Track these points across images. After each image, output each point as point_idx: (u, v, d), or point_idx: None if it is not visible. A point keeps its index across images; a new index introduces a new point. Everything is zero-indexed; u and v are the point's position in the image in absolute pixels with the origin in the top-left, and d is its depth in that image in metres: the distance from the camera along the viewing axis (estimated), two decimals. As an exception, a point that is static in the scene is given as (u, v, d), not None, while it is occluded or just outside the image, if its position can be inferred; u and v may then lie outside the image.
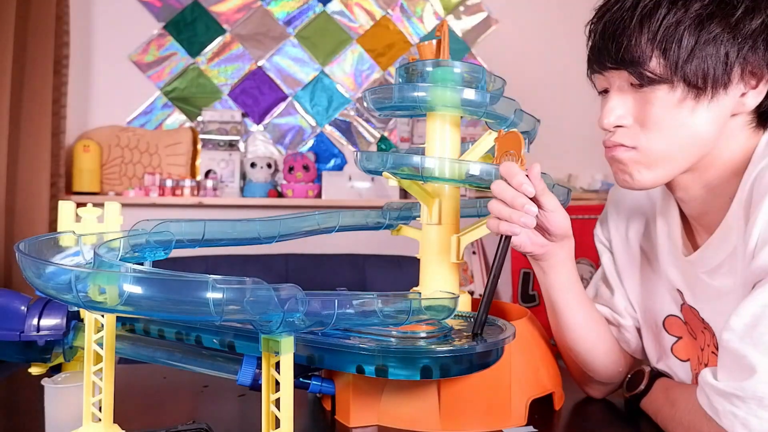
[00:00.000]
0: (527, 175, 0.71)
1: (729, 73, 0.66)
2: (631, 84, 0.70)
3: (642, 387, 0.79)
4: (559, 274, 0.81)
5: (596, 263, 1.00)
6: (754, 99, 0.68)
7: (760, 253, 0.61)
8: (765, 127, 0.71)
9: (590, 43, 0.74)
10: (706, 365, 0.75)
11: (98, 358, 0.63)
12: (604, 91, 0.75)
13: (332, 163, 2.64)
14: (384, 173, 0.78)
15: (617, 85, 0.72)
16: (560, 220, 0.75)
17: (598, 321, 0.86)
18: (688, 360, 0.80)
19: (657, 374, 0.81)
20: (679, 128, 0.68)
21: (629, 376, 0.84)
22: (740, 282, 0.65)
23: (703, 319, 0.75)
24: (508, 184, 0.71)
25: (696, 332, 0.79)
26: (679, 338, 0.82)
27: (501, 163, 0.73)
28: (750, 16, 0.66)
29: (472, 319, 0.80)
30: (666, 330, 0.83)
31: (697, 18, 0.65)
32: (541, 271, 0.81)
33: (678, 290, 0.79)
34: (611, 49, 0.70)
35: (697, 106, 0.67)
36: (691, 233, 0.80)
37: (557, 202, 0.75)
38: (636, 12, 0.68)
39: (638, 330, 0.89)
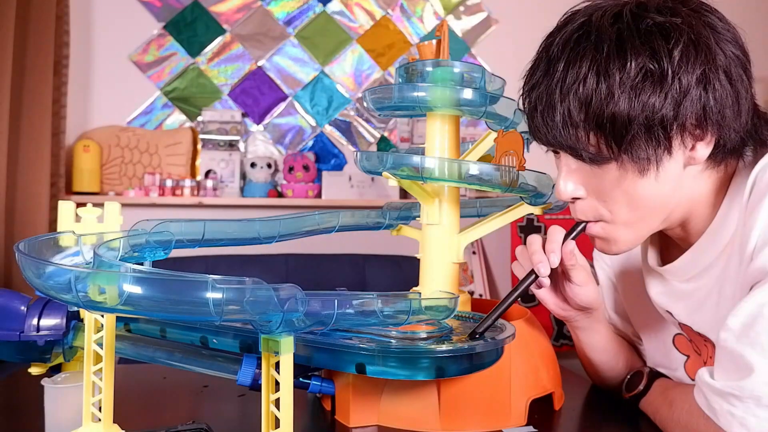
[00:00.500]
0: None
1: (669, 140, 0.63)
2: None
3: (641, 387, 0.79)
4: (588, 337, 0.85)
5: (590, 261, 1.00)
6: (703, 151, 0.65)
7: (759, 254, 0.61)
8: (723, 161, 0.68)
9: (525, 119, 0.72)
10: None
11: (98, 358, 0.63)
12: (555, 152, 0.73)
13: (332, 163, 2.64)
14: (384, 173, 0.78)
15: (564, 159, 0.69)
16: (587, 294, 0.77)
17: (624, 348, 0.89)
18: None
19: (656, 374, 0.81)
20: (637, 198, 0.66)
21: (628, 376, 0.84)
22: (738, 284, 0.65)
23: (699, 332, 0.75)
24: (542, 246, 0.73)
25: (700, 348, 0.79)
26: (688, 356, 0.82)
27: (548, 227, 0.74)
28: (683, 71, 0.61)
29: (472, 320, 0.80)
30: (676, 348, 0.83)
31: (631, 88, 0.61)
32: (572, 330, 0.86)
33: (668, 312, 0.79)
34: (547, 134, 0.67)
35: (647, 176, 0.64)
36: (665, 249, 0.80)
37: (589, 275, 0.76)
38: (564, 89, 0.64)
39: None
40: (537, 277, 0.73)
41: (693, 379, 0.80)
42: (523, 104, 0.71)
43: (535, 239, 0.76)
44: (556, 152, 0.71)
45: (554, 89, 0.64)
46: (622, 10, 0.64)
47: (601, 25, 0.63)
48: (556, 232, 0.74)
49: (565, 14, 0.70)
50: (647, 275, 0.82)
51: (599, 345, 0.85)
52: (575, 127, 0.64)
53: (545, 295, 0.79)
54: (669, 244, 0.79)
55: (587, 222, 0.71)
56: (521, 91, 0.71)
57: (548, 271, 0.73)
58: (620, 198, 0.67)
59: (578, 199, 0.70)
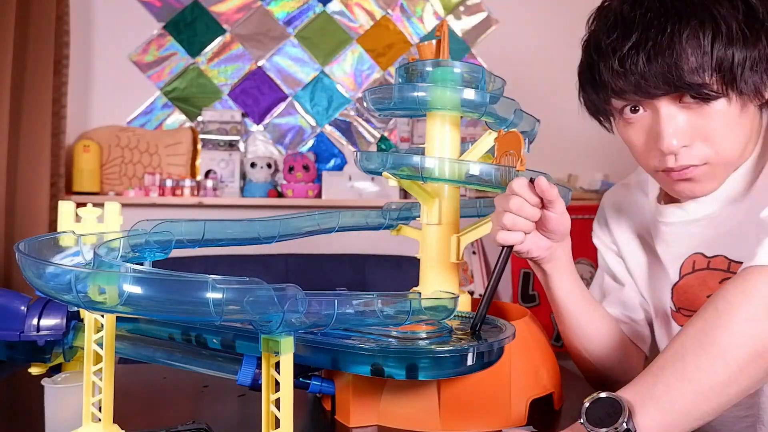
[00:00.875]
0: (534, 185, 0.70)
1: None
2: (681, 103, 0.73)
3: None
4: (562, 275, 0.82)
5: (596, 263, 1.01)
6: None
7: None
8: None
9: (613, 67, 0.74)
10: None
11: (98, 358, 0.63)
12: (632, 109, 0.77)
13: (332, 163, 2.64)
14: (384, 173, 0.78)
15: (664, 107, 0.73)
16: (566, 222, 0.76)
17: (607, 318, 0.88)
18: None
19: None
20: (741, 132, 0.75)
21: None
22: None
23: (725, 267, 0.78)
24: (519, 196, 0.70)
25: (697, 304, 0.80)
26: (678, 309, 0.83)
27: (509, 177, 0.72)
28: None
29: (472, 320, 0.80)
30: (674, 321, 0.84)
31: (742, 32, 0.69)
32: (543, 274, 0.82)
33: (696, 253, 0.81)
34: (666, 73, 0.71)
35: (748, 109, 0.73)
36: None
37: (564, 204, 0.76)
38: (678, 31, 0.70)
39: (650, 324, 0.90)
40: (511, 248, 0.72)
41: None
42: (607, 61, 0.74)
43: (500, 200, 0.73)
44: (634, 110, 0.76)
45: (669, 38, 0.70)
46: None
47: None
48: (518, 184, 0.70)
49: None
50: (666, 234, 0.85)
51: (573, 291, 0.82)
52: (699, 68, 0.69)
53: (528, 245, 0.75)
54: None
55: (691, 166, 0.75)
56: (603, 40, 0.75)
57: (521, 238, 0.71)
58: (730, 133, 0.73)
59: (683, 147, 0.74)
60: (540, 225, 0.74)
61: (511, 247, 0.72)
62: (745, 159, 0.78)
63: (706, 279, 0.80)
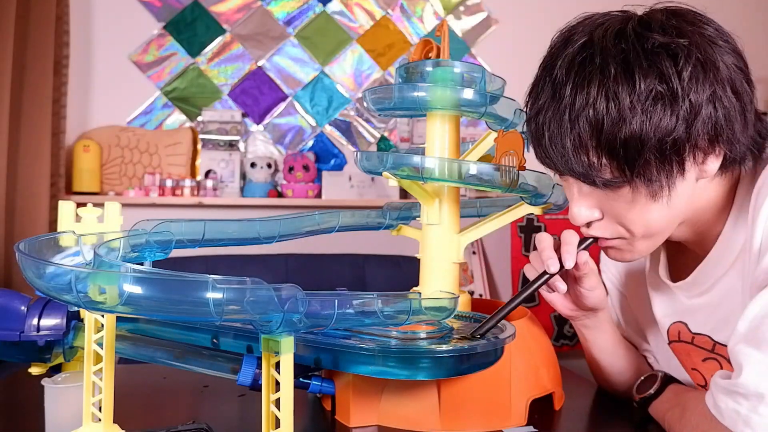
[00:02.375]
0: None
1: (682, 162, 0.62)
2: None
3: (652, 391, 0.78)
4: (595, 337, 0.85)
5: (596, 265, 1.01)
6: (714, 164, 0.64)
7: (764, 257, 0.61)
8: (730, 168, 0.68)
9: (531, 143, 0.70)
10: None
11: (98, 358, 0.63)
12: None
13: (332, 163, 2.64)
14: (384, 173, 0.78)
15: (575, 184, 0.68)
16: (597, 296, 0.78)
17: (631, 351, 0.89)
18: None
19: (670, 379, 0.79)
20: (651, 220, 0.66)
21: (641, 378, 0.82)
22: (747, 285, 0.65)
23: (709, 347, 0.76)
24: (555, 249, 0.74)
25: (690, 368, 0.80)
26: (694, 369, 0.82)
27: (563, 234, 0.74)
28: (692, 92, 0.60)
29: (472, 320, 0.80)
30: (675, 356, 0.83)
31: (642, 111, 0.59)
32: (578, 329, 0.86)
33: (679, 322, 0.79)
34: (557, 160, 0.66)
35: (660, 201, 0.64)
36: (672, 259, 0.81)
37: (598, 279, 0.77)
38: (573, 114, 0.62)
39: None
40: (548, 276, 0.74)
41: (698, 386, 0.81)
42: (528, 128, 0.69)
43: (544, 238, 0.76)
44: (564, 175, 0.70)
45: (563, 114, 0.63)
46: (624, 29, 0.62)
47: (605, 46, 0.62)
48: (572, 236, 0.74)
49: (560, 32, 0.68)
50: (653, 290, 0.83)
51: (606, 345, 0.86)
52: (587, 153, 0.63)
53: (554, 296, 0.80)
54: (677, 253, 0.79)
55: (599, 238, 0.72)
56: (525, 112, 0.70)
57: (557, 268, 0.73)
58: (636, 219, 0.67)
59: (593, 221, 0.70)
60: (572, 296, 0.79)
61: (547, 275, 0.74)
62: (717, 226, 0.70)
63: (691, 353, 0.79)
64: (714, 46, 0.62)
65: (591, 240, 0.73)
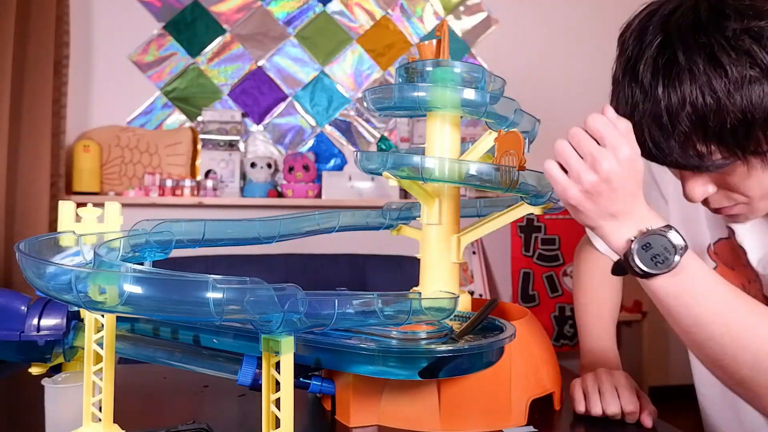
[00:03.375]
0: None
1: None
2: None
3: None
4: None
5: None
6: None
7: None
8: None
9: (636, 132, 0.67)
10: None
11: (98, 358, 0.63)
12: None
13: (332, 163, 2.64)
14: (384, 173, 0.78)
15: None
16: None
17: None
18: None
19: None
20: (766, 184, 0.66)
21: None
22: None
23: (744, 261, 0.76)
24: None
25: (736, 265, 0.80)
26: (716, 265, 0.83)
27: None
28: None
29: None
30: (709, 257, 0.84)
31: (741, 96, 0.60)
32: None
33: (728, 227, 0.80)
34: (664, 157, 0.65)
35: None
36: None
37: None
38: (672, 114, 0.62)
39: None
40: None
41: None
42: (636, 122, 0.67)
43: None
44: None
45: (661, 116, 0.63)
46: (699, 20, 0.62)
47: (686, 42, 0.61)
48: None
49: (629, 27, 0.67)
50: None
51: None
52: (694, 146, 0.63)
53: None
54: None
55: (722, 207, 0.71)
56: (612, 104, 0.68)
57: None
58: (754, 186, 0.67)
59: (709, 195, 0.70)
60: None
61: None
62: None
63: (738, 260, 0.79)
64: None
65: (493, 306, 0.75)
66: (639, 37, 0.66)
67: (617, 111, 0.67)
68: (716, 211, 0.72)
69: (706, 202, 0.71)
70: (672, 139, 0.63)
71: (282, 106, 2.61)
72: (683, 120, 0.62)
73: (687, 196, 0.70)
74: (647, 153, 0.67)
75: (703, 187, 0.69)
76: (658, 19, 0.65)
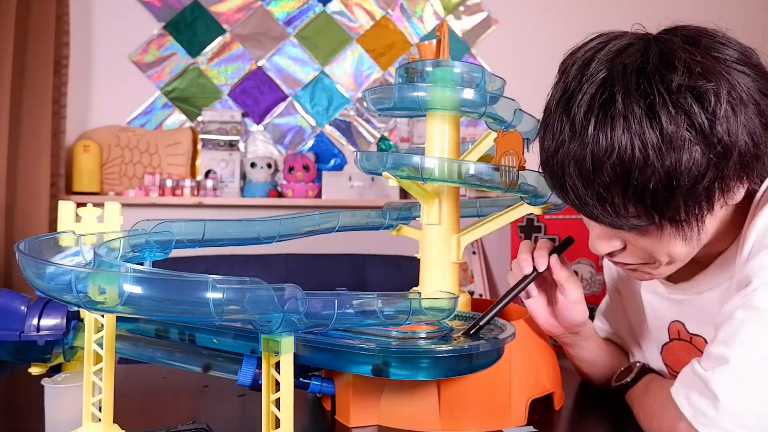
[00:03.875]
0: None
1: (712, 202, 0.60)
2: None
3: (629, 379, 0.81)
4: (576, 351, 0.88)
5: (596, 263, 1.01)
6: (740, 193, 0.62)
7: (747, 264, 0.62)
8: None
9: (549, 181, 0.66)
10: None
11: (98, 358, 0.63)
12: None
13: (332, 163, 2.64)
14: (384, 173, 0.78)
15: (597, 224, 0.66)
16: (578, 312, 0.79)
17: (614, 357, 0.91)
18: None
19: (648, 370, 0.82)
20: (676, 250, 0.64)
21: (622, 368, 0.85)
22: (733, 290, 0.65)
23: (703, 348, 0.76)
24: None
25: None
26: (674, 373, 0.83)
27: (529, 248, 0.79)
28: (723, 133, 0.56)
29: (472, 320, 0.80)
30: (663, 361, 0.85)
31: (670, 157, 0.56)
32: (560, 342, 0.88)
33: (678, 321, 0.79)
34: (581, 206, 0.62)
35: (691, 235, 0.62)
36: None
37: (581, 294, 0.78)
38: (596, 160, 0.58)
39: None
40: (527, 279, 0.77)
41: None
42: (545, 166, 0.65)
43: (524, 243, 0.79)
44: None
45: (584, 159, 0.59)
46: (646, 67, 0.58)
47: (627, 87, 0.58)
48: (545, 242, 0.78)
49: (573, 58, 0.63)
50: (651, 293, 0.83)
51: (587, 358, 0.88)
52: (612, 200, 0.60)
53: (537, 310, 0.81)
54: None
55: (623, 264, 0.71)
56: (541, 148, 0.65)
57: (530, 269, 0.76)
58: (662, 250, 0.65)
59: (615, 251, 0.68)
60: (554, 309, 0.81)
61: (527, 277, 0.77)
62: (725, 237, 0.68)
63: (691, 352, 0.79)
64: (740, 75, 0.59)
65: (566, 246, 0.75)
66: (581, 69, 0.61)
67: (542, 145, 0.65)
68: (617, 264, 0.71)
69: (609, 254, 0.69)
70: (591, 189, 0.60)
71: (282, 106, 2.61)
72: (607, 170, 0.58)
73: (592, 249, 0.68)
74: (563, 196, 0.64)
75: (609, 242, 0.67)
76: (604, 55, 0.61)
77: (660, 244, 0.64)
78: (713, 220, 0.64)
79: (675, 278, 0.77)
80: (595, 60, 0.61)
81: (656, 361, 0.86)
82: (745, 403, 0.59)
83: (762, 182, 0.64)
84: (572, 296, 0.77)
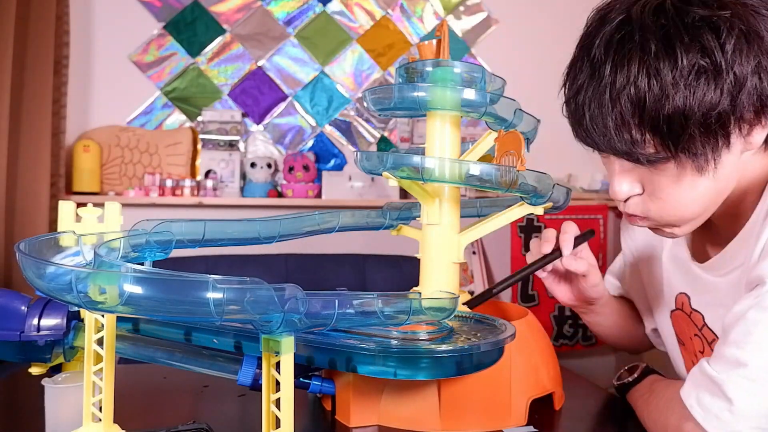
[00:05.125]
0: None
1: (728, 136, 0.61)
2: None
3: (630, 378, 0.81)
4: (594, 318, 0.93)
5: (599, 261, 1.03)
6: (760, 136, 0.63)
7: (759, 264, 0.62)
8: None
9: (571, 122, 0.69)
10: None
11: (98, 358, 0.63)
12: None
13: (332, 163, 2.64)
14: (384, 173, 0.78)
15: (617, 159, 0.67)
16: (597, 291, 0.86)
17: (630, 320, 0.97)
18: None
19: (651, 371, 0.82)
20: (694, 193, 0.65)
21: (625, 368, 0.85)
22: (743, 287, 0.66)
23: (699, 325, 0.76)
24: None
25: (684, 338, 0.80)
26: (682, 343, 0.83)
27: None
28: (737, 64, 0.58)
29: (472, 320, 0.80)
30: (672, 325, 0.86)
31: (685, 86, 0.58)
32: (578, 313, 0.94)
33: (684, 294, 0.79)
34: (598, 139, 0.65)
35: (706, 174, 0.63)
36: (699, 244, 0.81)
37: (598, 275, 0.85)
38: (614, 93, 0.61)
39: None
40: (546, 258, 0.81)
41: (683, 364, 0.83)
42: (568, 109, 0.68)
43: (549, 230, 0.83)
44: (604, 153, 0.69)
45: (603, 94, 0.62)
46: (663, 4, 0.61)
47: (644, 23, 0.60)
48: (570, 225, 0.80)
49: (598, 10, 0.66)
50: (672, 263, 0.84)
51: (604, 323, 0.93)
52: (629, 131, 0.62)
53: (554, 287, 0.86)
54: (702, 228, 0.78)
55: (635, 216, 0.71)
56: (563, 93, 0.69)
57: (551, 248, 0.80)
58: (676, 195, 0.65)
59: (633, 195, 0.69)
60: (572, 288, 0.87)
61: (548, 256, 0.81)
62: (752, 204, 0.69)
63: (688, 325, 0.81)
64: (757, 15, 0.60)
65: (589, 233, 0.76)
66: (602, 16, 0.65)
67: (565, 88, 0.68)
68: (635, 220, 0.71)
69: (624, 204, 0.71)
70: (610, 119, 0.62)
71: (282, 106, 2.61)
72: (624, 99, 0.60)
73: (612, 192, 0.70)
74: (584, 134, 0.66)
75: (630, 185, 0.68)
76: (624, 1, 0.64)
77: (680, 183, 0.64)
78: (732, 163, 0.64)
79: (697, 250, 0.80)
80: (615, 7, 0.64)
81: (667, 326, 0.87)
82: (760, 406, 0.59)
83: None
84: (593, 281, 0.83)
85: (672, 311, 0.84)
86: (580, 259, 0.82)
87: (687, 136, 0.60)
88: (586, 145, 0.68)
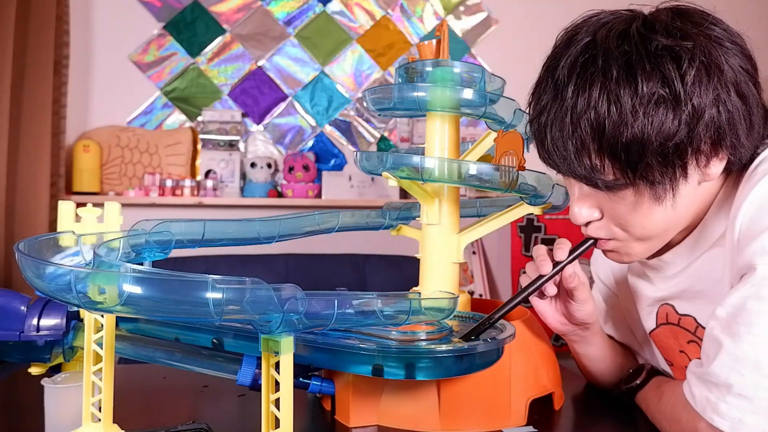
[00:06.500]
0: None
1: (685, 167, 0.62)
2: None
3: (638, 381, 0.80)
4: (584, 349, 0.86)
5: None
6: (717, 168, 0.64)
7: (746, 247, 0.60)
8: (734, 171, 0.67)
9: (534, 144, 0.69)
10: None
11: (98, 358, 0.63)
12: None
13: (332, 163, 2.64)
14: (384, 173, 0.78)
15: (576, 184, 0.68)
16: (587, 311, 0.78)
17: (620, 355, 0.89)
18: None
19: (656, 372, 0.82)
20: (654, 222, 0.66)
21: (630, 370, 0.84)
22: (727, 273, 0.65)
23: (692, 329, 0.76)
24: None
25: (672, 356, 0.81)
26: (671, 364, 0.83)
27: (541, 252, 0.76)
28: (695, 95, 0.59)
29: (472, 320, 0.80)
30: (655, 346, 0.85)
31: (644, 114, 0.59)
32: (568, 341, 0.87)
33: (667, 304, 0.79)
34: (559, 162, 0.65)
35: (663, 203, 0.64)
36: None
37: (589, 293, 0.78)
38: (575, 116, 0.62)
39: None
40: (542, 279, 0.74)
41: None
42: (531, 129, 0.69)
43: (540, 247, 0.77)
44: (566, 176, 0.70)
45: (565, 117, 0.63)
46: (628, 30, 0.62)
47: (608, 47, 0.61)
48: (565, 241, 0.75)
49: (565, 30, 0.67)
50: (636, 278, 0.83)
51: (595, 355, 0.87)
52: (589, 156, 0.63)
53: (545, 309, 0.81)
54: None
55: (597, 239, 0.71)
56: (527, 113, 0.70)
57: (550, 269, 0.74)
58: (637, 222, 0.66)
59: (593, 221, 0.70)
60: (564, 309, 0.80)
61: (542, 277, 0.75)
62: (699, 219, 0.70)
63: (678, 335, 0.79)
64: (719, 47, 0.61)
65: (586, 246, 0.73)
66: (569, 37, 0.66)
67: (529, 107, 0.69)
68: (594, 243, 0.72)
69: (585, 228, 0.71)
70: (569, 142, 0.63)
71: (282, 106, 2.61)
72: (584, 124, 0.61)
73: (572, 216, 0.70)
74: (545, 155, 0.67)
75: (589, 210, 0.69)
76: (592, 24, 0.65)
77: (638, 211, 0.65)
78: (690, 194, 0.65)
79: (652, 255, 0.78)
80: (582, 29, 0.65)
81: (650, 353, 0.86)
82: None
83: (742, 162, 0.65)
84: (581, 297, 0.77)
85: (651, 331, 0.83)
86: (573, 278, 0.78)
87: (645, 164, 0.60)
88: (548, 166, 0.69)
